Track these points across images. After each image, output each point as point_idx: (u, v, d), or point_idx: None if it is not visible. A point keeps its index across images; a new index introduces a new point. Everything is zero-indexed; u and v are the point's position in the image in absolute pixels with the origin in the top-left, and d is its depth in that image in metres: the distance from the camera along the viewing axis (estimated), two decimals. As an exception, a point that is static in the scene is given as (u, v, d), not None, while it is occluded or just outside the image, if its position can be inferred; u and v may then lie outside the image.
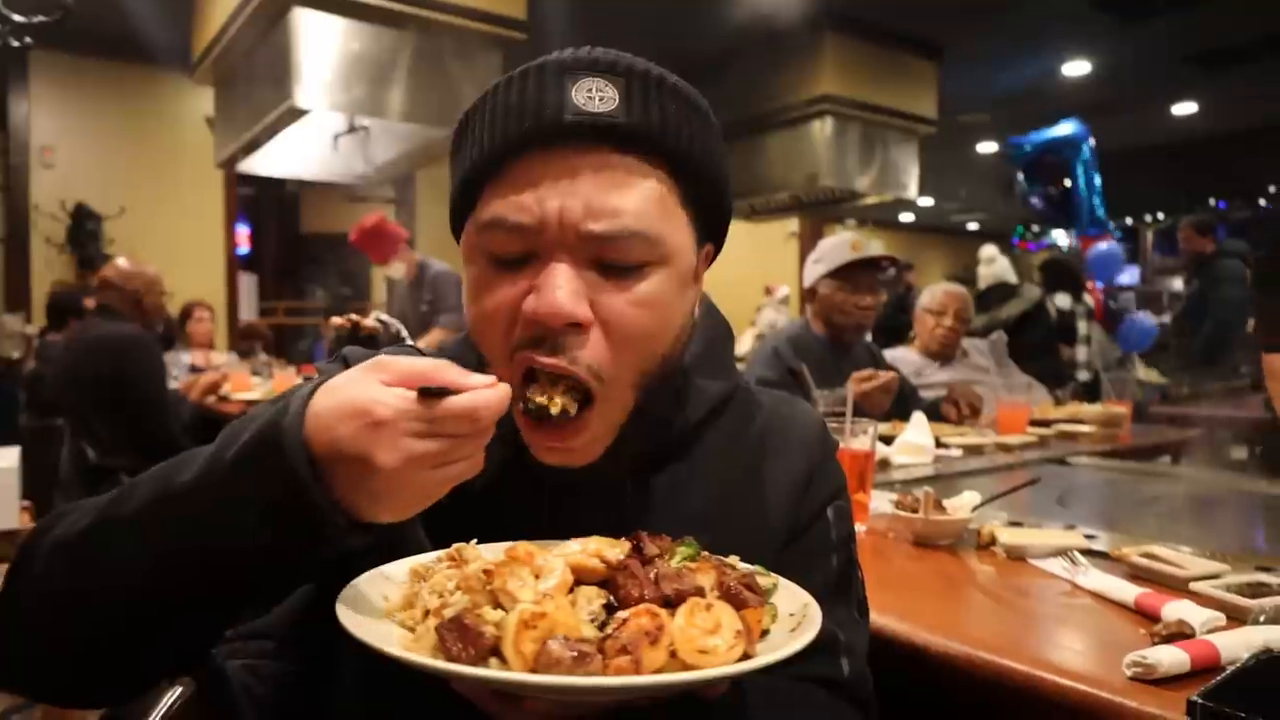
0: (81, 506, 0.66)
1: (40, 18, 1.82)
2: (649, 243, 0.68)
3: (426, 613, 0.59)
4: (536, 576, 0.58)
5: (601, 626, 0.56)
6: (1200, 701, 0.74)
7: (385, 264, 4.70)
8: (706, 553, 0.66)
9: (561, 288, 0.65)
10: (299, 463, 0.55)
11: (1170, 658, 0.82)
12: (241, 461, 0.58)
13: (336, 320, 2.26)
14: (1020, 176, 6.92)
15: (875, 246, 2.75)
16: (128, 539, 0.61)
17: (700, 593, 0.58)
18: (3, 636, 0.65)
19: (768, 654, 0.55)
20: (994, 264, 4.96)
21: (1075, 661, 0.89)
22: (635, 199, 0.67)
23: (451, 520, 0.74)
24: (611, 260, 0.67)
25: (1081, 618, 1.04)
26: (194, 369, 4.65)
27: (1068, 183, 6.69)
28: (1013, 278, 4.93)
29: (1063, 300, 5.14)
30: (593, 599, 0.58)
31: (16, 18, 1.79)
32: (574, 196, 0.65)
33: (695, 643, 0.53)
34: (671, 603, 0.56)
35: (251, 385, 4.23)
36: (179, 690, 0.82)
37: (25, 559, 0.65)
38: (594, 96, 0.66)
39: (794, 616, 0.62)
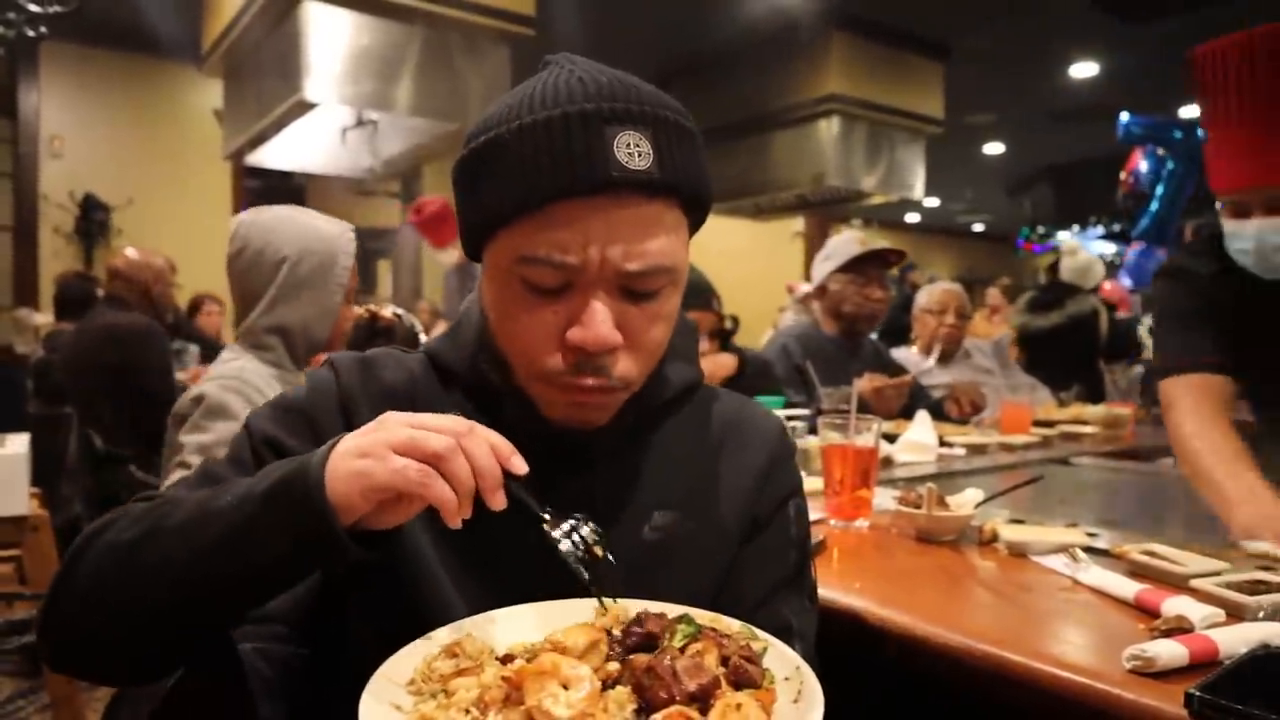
0: (125, 517, 0.74)
1: (56, 8, 1.83)
2: (671, 273, 0.78)
3: None
4: (565, 687, 0.60)
5: None
6: (1198, 694, 0.75)
7: (442, 248, 4.70)
8: (701, 622, 0.70)
9: (605, 322, 0.75)
10: (327, 513, 0.65)
11: (1169, 651, 0.83)
12: (269, 494, 0.67)
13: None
14: (1154, 152, 6.77)
15: (883, 245, 2.78)
16: (171, 545, 0.70)
17: (718, 683, 0.62)
18: (55, 627, 0.75)
19: None
20: (1075, 256, 4.57)
21: (1075, 655, 0.89)
22: (662, 239, 0.76)
23: None
24: (638, 289, 0.77)
25: (1081, 613, 1.05)
26: (204, 359, 4.67)
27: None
28: (1086, 280, 4.53)
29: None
30: (624, 704, 0.61)
31: (32, 7, 1.80)
32: (614, 243, 0.74)
33: None
34: (697, 698, 0.60)
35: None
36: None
37: (75, 561, 0.73)
38: (634, 153, 0.74)
39: (790, 681, 0.65)
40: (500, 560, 0.80)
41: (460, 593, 0.80)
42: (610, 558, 0.72)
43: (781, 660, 0.67)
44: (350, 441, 0.67)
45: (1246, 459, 1.54)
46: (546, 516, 0.72)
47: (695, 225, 0.84)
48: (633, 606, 0.74)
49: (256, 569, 0.68)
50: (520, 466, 0.69)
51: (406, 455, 0.64)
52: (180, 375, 4.06)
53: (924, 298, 3.44)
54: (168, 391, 3.49)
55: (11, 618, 1.93)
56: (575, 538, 0.72)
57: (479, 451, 0.67)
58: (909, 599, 1.08)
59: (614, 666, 0.64)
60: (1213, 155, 1.63)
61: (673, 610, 0.72)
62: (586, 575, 0.71)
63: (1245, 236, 1.56)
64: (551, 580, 0.75)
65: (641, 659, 0.63)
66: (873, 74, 6.67)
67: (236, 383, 1.71)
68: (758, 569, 0.90)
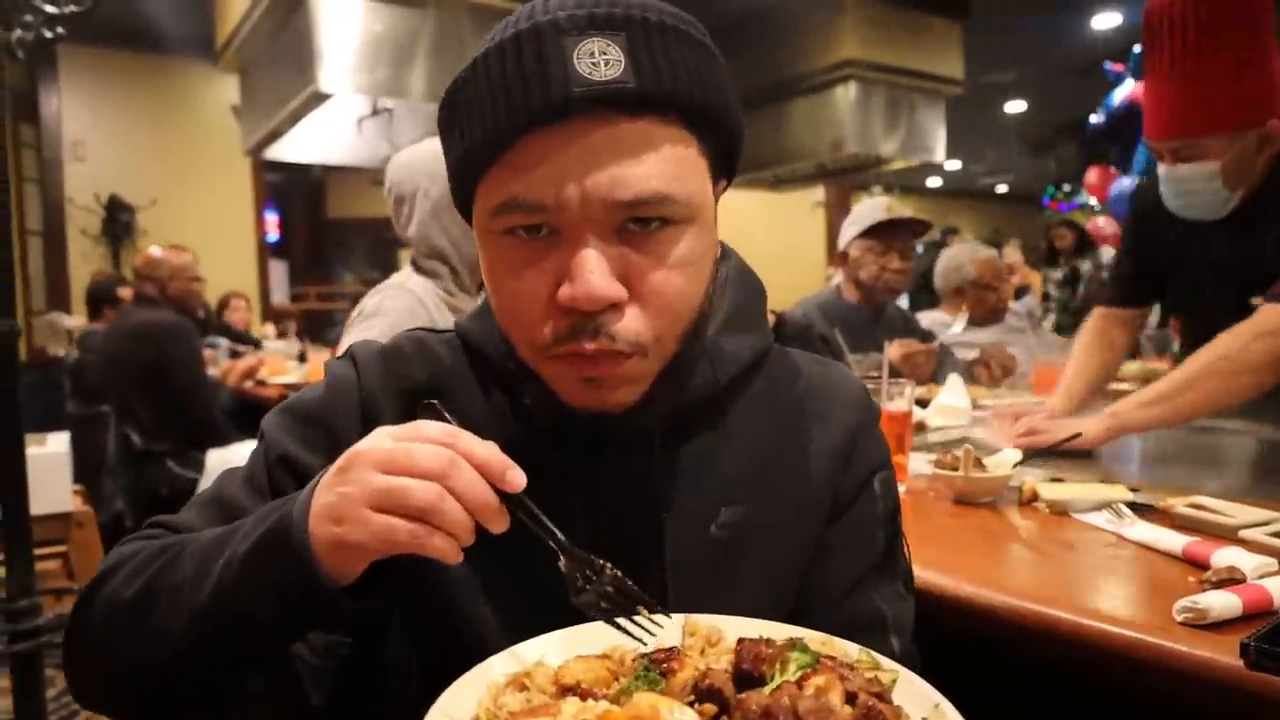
0: (127, 565, 0.70)
1: (71, 7, 1.84)
2: (676, 204, 0.65)
3: None
4: None
5: None
6: (1254, 643, 0.74)
7: None
8: (813, 648, 0.60)
9: (595, 271, 0.63)
10: (319, 581, 0.59)
11: (1222, 602, 0.82)
12: (254, 556, 0.62)
13: None
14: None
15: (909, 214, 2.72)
16: (167, 607, 0.65)
17: None
18: (75, 672, 0.72)
19: None
20: None
21: (1125, 610, 0.88)
22: (656, 162, 0.64)
23: None
24: (639, 228, 0.65)
25: (1128, 568, 1.04)
26: (233, 354, 4.73)
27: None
28: None
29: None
30: None
31: (49, 9, 1.81)
32: (593, 170, 0.62)
33: None
34: None
35: (288, 369, 4.29)
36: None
37: (84, 610, 0.70)
38: (598, 62, 0.62)
39: None
40: (532, 564, 0.71)
41: (488, 600, 0.74)
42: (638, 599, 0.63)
43: (914, 694, 0.56)
44: (324, 498, 0.59)
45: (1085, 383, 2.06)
46: (559, 550, 0.62)
47: (721, 152, 0.71)
48: (725, 625, 0.63)
49: (253, 634, 0.64)
50: (516, 482, 0.59)
51: (388, 513, 0.56)
52: (212, 370, 4.11)
53: (973, 269, 3.28)
54: (200, 387, 3.54)
55: (61, 611, 1.97)
56: (593, 581, 0.62)
57: (467, 487, 0.57)
58: (951, 561, 1.07)
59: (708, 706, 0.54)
60: (1145, 105, 1.82)
61: (776, 630, 0.61)
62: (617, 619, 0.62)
63: (1163, 180, 1.80)
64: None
65: (754, 699, 0.52)
66: (889, 36, 6.56)
67: (397, 290, 1.83)
68: (843, 555, 0.80)
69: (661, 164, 0.64)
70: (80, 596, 0.71)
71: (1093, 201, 8.92)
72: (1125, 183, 6.44)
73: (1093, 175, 7.05)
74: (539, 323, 0.67)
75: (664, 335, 0.68)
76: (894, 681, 0.57)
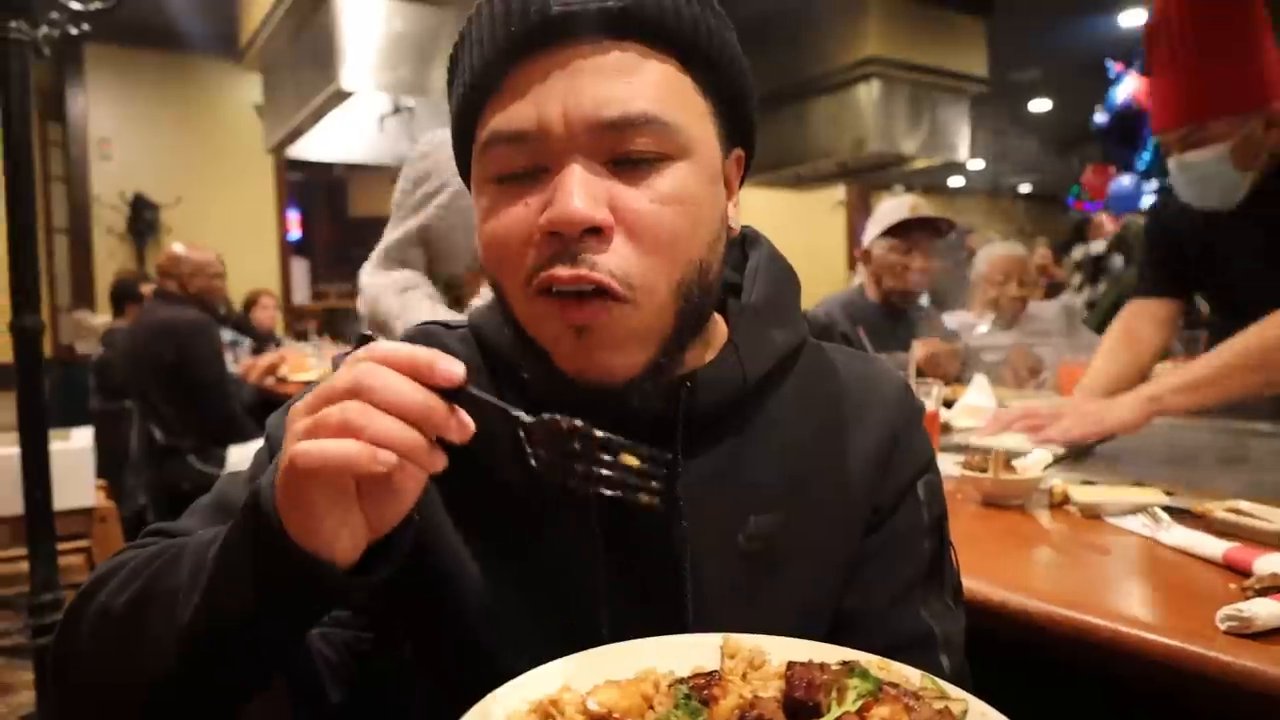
0: (118, 574, 0.65)
1: (96, 4, 1.84)
2: (666, 130, 0.61)
3: None
4: None
5: None
6: (1304, 654, 0.71)
7: None
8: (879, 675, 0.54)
9: (576, 191, 0.59)
10: (317, 567, 0.55)
11: (1268, 610, 0.79)
12: (234, 536, 0.58)
13: None
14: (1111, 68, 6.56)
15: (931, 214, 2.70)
16: (169, 611, 0.60)
17: None
18: (62, 694, 0.67)
19: None
20: None
21: (1165, 617, 0.86)
22: (643, 83, 0.61)
23: (481, 493, 0.70)
24: (627, 153, 0.61)
25: (1167, 574, 1.01)
26: (255, 351, 4.76)
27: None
28: None
29: None
30: None
31: (74, 5, 1.81)
32: (577, 91, 0.60)
33: None
34: None
35: (309, 366, 4.31)
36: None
37: (70, 625, 0.65)
38: None
39: None
40: (555, 574, 0.69)
41: (506, 611, 0.70)
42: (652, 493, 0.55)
43: None
44: (276, 474, 0.55)
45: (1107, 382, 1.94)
46: (523, 417, 0.54)
47: (729, 109, 0.67)
48: (768, 645, 0.58)
49: (249, 626, 0.58)
50: (451, 373, 0.52)
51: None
52: (233, 368, 4.14)
53: (984, 265, 3.28)
54: (222, 383, 3.56)
55: (85, 606, 1.97)
56: (581, 456, 0.54)
57: (385, 389, 0.51)
58: (981, 565, 1.04)
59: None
60: (1153, 103, 1.85)
61: (826, 653, 0.56)
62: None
63: (1174, 172, 1.80)
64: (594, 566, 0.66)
65: None
66: (912, 34, 6.50)
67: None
68: (885, 566, 0.74)
69: (649, 86, 0.61)
70: (66, 612, 0.66)
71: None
72: (1124, 181, 6.36)
73: (1089, 174, 6.98)
74: (522, 256, 0.62)
75: (654, 281, 0.62)
76: (964, 713, 0.51)
